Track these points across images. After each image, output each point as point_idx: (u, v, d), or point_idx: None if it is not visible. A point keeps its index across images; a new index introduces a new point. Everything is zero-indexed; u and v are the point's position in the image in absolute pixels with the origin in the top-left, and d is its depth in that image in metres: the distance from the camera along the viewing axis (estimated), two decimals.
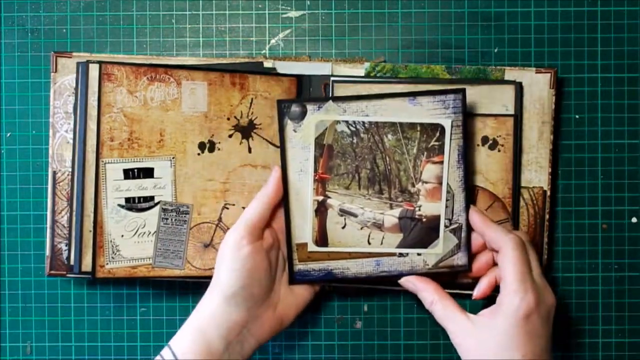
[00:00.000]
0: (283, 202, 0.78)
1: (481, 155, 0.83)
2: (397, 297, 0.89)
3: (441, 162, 0.77)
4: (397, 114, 0.76)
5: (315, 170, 0.77)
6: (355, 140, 0.76)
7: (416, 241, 0.78)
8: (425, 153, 0.77)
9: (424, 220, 0.78)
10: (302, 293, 0.82)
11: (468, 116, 0.79)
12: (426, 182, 0.77)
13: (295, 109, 0.76)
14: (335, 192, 0.77)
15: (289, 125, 0.76)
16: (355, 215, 0.78)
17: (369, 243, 0.78)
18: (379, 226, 0.78)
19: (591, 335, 0.88)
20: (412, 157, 0.77)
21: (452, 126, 0.76)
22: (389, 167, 0.77)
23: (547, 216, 0.85)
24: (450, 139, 0.77)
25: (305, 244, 0.78)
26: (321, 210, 0.78)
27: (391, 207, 0.78)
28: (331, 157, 0.77)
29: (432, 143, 0.77)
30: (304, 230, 0.79)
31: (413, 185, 0.77)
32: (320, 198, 0.78)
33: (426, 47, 0.87)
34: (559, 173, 0.87)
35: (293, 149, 0.76)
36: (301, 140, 0.76)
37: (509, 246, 0.74)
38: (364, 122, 0.76)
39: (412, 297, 0.88)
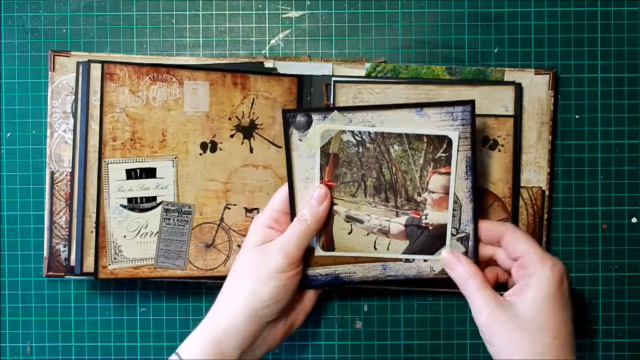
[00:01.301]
0: (290, 209, 0.77)
1: (482, 155, 0.83)
2: (397, 297, 0.89)
3: (448, 173, 0.76)
4: (403, 125, 0.75)
5: (322, 178, 0.76)
6: (361, 150, 0.76)
7: (422, 248, 0.78)
8: (432, 164, 0.76)
9: (431, 228, 0.77)
10: (309, 296, 0.81)
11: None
12: (433, 192, 0.77)
13: (300, 118, 0.75)
14: (342, 200, 0.77)
15: (295, 134, 0.75)
16: (361, 222, 0.77)
17: (375, 248, 0.78)
18: (385, 233, 0.78)
19: (591, 335, 0.89)
20: (418, 167, 0.76)
21: (459, 138, 0.76)
22: (395, 177, 0.77)
23: (545, 216, 0.85)
24: (458, 151, 0.76)
25: (313, 249, 0.78)
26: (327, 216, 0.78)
27: (397, 215, 0.77)
28: (337, 165, 0.76)
29: (439, 154, 0.76)
30: None
31: (419, 195, 0.77)
32: None
33: (426, 47, 0.87)
34: (559, 173, 0.87)
35: (299, 157, 0.76)
36: (307, 149, 0.75)
37: (512, 227, 0.76)
38: (369, 133, 0.76)
39: (412, 297, 0.88)
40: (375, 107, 0.76)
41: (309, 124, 0.75)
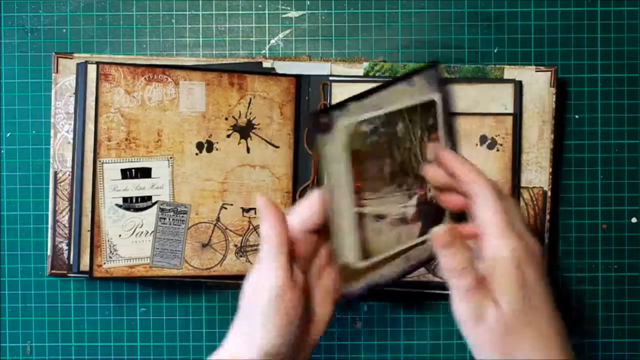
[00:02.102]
0: (329, 225, 0.67)
1: (479, 154, 0.83)
2: (397, 297, 0.89)
3: (438, 140, 0.74)
4: (402, 100, 0.72)
5: (350, 181, 0.71)
6: (375, 139, 0.73)
7: (430, 225, 0.74)
8: (427, 133, 0.75)
9: (435, 201, 0.74)
10: (328, 307, 0.71)
11: (465, 115, 0.76)
12: (430, 162, 0.74)
13: (322, 120, 0.69)
14: (369, 199, 0.71)
15: (321, 140, 0.70)
16: (385, 217, 0.74)
17: (400, 242, 0.74)
18: (405, 220, 0.74)
19: (591, 335, 0.88)
20: (417, 140, 0.75)
21: (441, 100, 0.73)
22: (403, 157, 0.75)
23: (547, 217, 0.85)
24: (442, 113, 0.74)
25: (348, 263, 0.68)
26: (360, 221, 0.69)
27: (410, 197, 0.74)
28: (360, 162, 0.71)
29: (430, 121, 0.74)
30: (346, 248, 0.68)
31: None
32: (359, 209, 0.69)
33: (426, 47, 0.87)
34: (559, 173, 0.87)
35: (329, 164, 0.66)
36: (334, 151, 0.67)
37: (487, 192, 0.63)
38: (379, 116, 0.73)
39: (412, 297, 0.88)
40: (378, 88, 0.72)
41: (330, 125, 0.70)
